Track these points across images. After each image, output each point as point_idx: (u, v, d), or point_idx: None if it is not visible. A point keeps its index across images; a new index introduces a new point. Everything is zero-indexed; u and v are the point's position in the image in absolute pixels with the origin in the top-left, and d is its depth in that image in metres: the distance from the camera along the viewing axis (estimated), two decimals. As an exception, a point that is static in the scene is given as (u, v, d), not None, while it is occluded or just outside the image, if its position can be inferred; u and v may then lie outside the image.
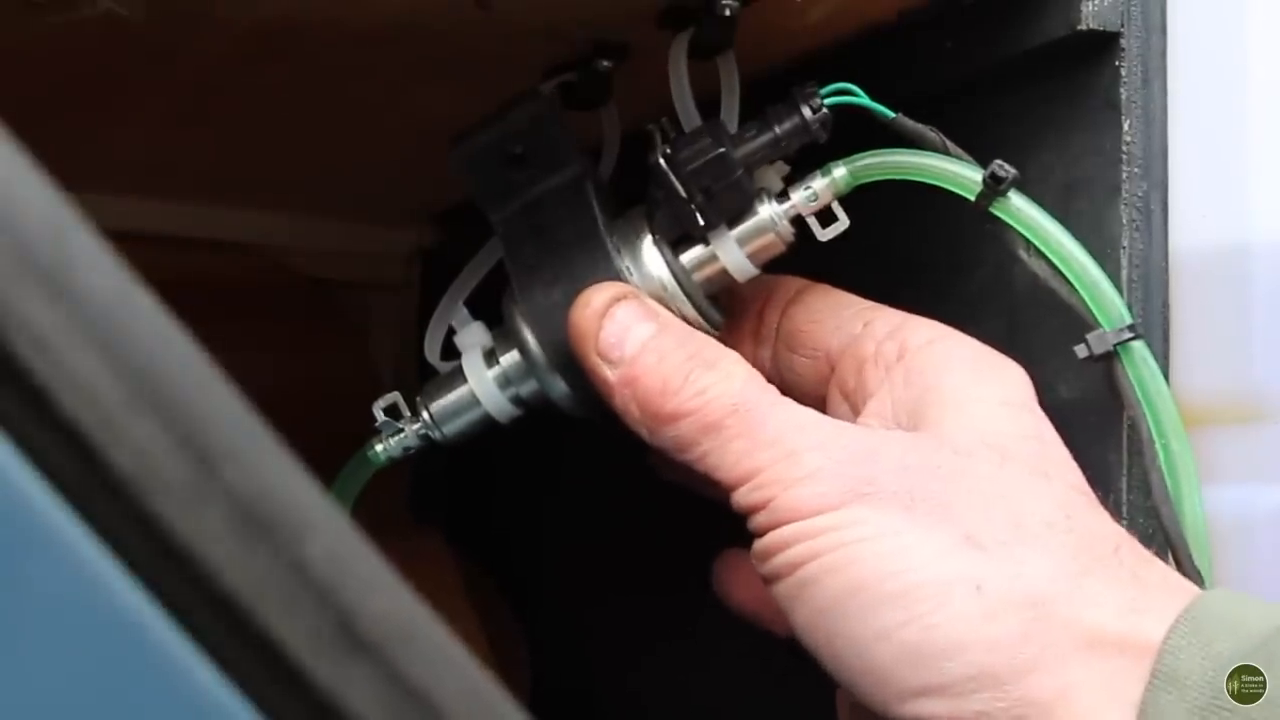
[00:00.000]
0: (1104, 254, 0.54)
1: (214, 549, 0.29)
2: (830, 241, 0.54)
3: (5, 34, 0.50)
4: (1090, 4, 0.54)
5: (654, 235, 0.54)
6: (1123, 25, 0.54)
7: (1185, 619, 0.42)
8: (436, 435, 0.58)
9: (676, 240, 0.55)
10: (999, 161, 0.52)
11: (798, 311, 0.55)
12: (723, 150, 0.53)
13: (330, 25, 0.54)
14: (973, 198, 0.52)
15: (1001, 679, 0.43)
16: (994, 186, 0.52)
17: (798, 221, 0.54)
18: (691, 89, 0.55)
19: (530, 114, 0.56)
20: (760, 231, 0.54)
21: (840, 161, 0.53)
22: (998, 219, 0.53)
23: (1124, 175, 0.54)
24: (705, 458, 0.49)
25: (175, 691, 0.29)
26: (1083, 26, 0.54)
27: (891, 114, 0.53)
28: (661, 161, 0.53)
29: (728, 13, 0.53)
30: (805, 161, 0.55)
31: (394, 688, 0.30)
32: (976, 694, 0.43)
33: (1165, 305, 0.54)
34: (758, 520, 0.47)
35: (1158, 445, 0.51)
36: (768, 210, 0.54)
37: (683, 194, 0.53)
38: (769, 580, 0.47)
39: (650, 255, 0.54)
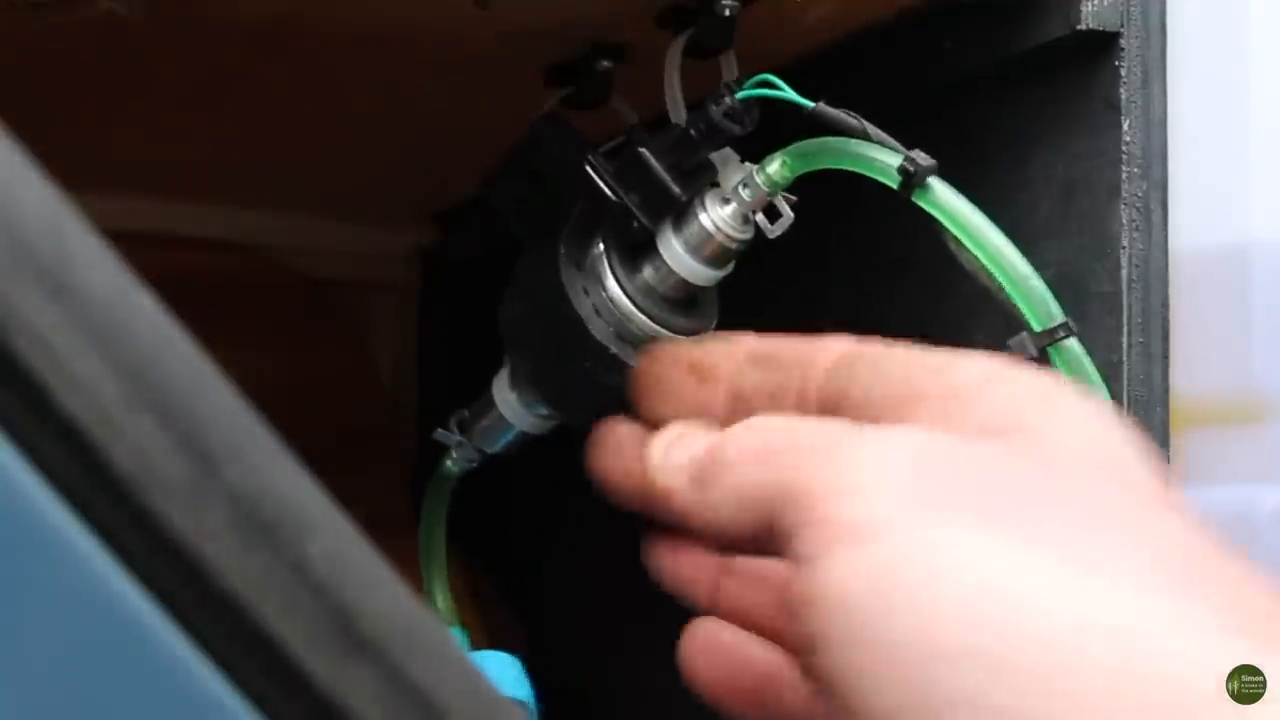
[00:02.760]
0: (1104, 254, 0.54)
1: (214, 548, 0.29)
2: (830, 241, 0.54)
3: (5, 34, 0.50)
4: (1090, 4, 0.54)
5: (605, 243, 0.54)
6: (1123, 25, 0.54)
7: None
8: (488, 450, 0.61)
9: (636, 249, 0.54)
10: (914, 152, 0.49)
11: (856, 372, 0.50)
12: (640, 151, 0.53)
13: (329, 25, 0.54)
14: (896, 186, 0.50)
15: None
16: (908, 179, 0.49)
17: (763, 214, 0.53)
18: (697, 90, 0.55)
19: (545, 137, 0.56)
20: (705, 236, 0.53)
21: (775, 155, 0.53)
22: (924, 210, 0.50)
23: (1124, 175, 0.54)
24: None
25: (175, 691, 0.29)
26: (1083, 26, 0.54)
27: (810, 104, 0.51)
28: (587, 166, 0.53)
29: (727, 13, 0.53)
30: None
31: (394, 687, 0.30)
32: None
33: (1165, 305, 0.53)
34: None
35: None
36: (707, 216, 0.53)
37: (612, 197, 0.53)
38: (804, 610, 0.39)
39: (599, 263, 0.54)
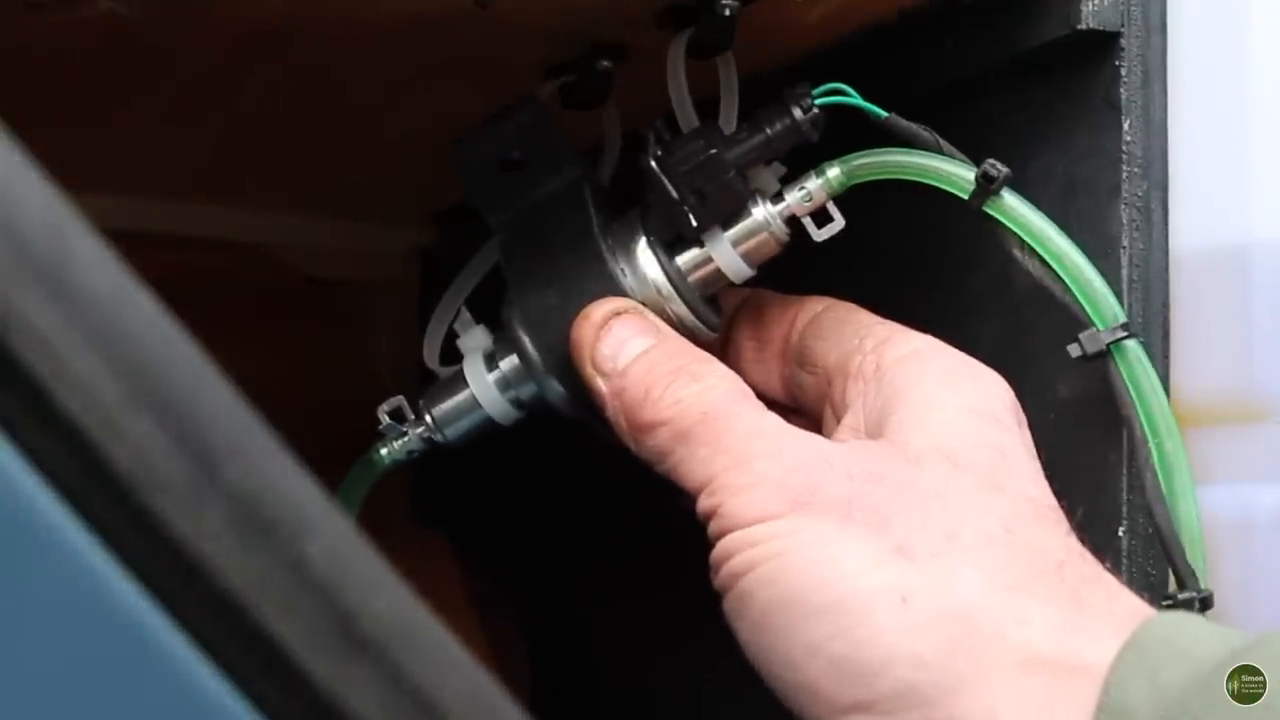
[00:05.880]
0: (1104, 254, 0.54)
1: (214, 548, 0.29)
2: (832, 243, 0.54)
3: (5, 34, 0.50)
4: (1090, 4, 0.54)
5: (648, 237, 0.54)
6: (1123, 25, 0.54)
7: (1131, 647, 0.41)
8: (439, 438, 0.58)
9: (671, 241, 0.55)
10: (991, 160, 0.52)
11: (810, 330, 0.54)
12: (714, 151, 0.53)
13: (329, 25, 0.54)
14: (966, 197, 0.52)
15: (930, 698, 0.42)
16: (986, 186, 0.52)
17: (794, 222, 0.54)
18: (691, 89, 0.55)
19: (526, 119, 0.57)
20: (754, 232, 0.54)
21: (834, 162, 0.53)
22: (992, 218, 0.52)
23: (1124, 175, 0.54)
24: (676, 467, 0.49)
25: (175, 691, 0.29)
26: (1083, 26, 0.54)
27: (884, 114, 0.53)
28: (653, 163, 0.53)
29: (728, 12, 0.53)
30: (802, 162, 0.54)
31: (394, 688, 0.30)
32: (906, 712, 0.42)
33: (1165, 305, 0.53)
34: (710, 529, 0.47)
35: (1151, 444, 0.50)
36: (761, 211, 0.54)
37: (674, 195, 0.53)
38: (721, 595, 0.46)
39: (645, 257, 0.54)
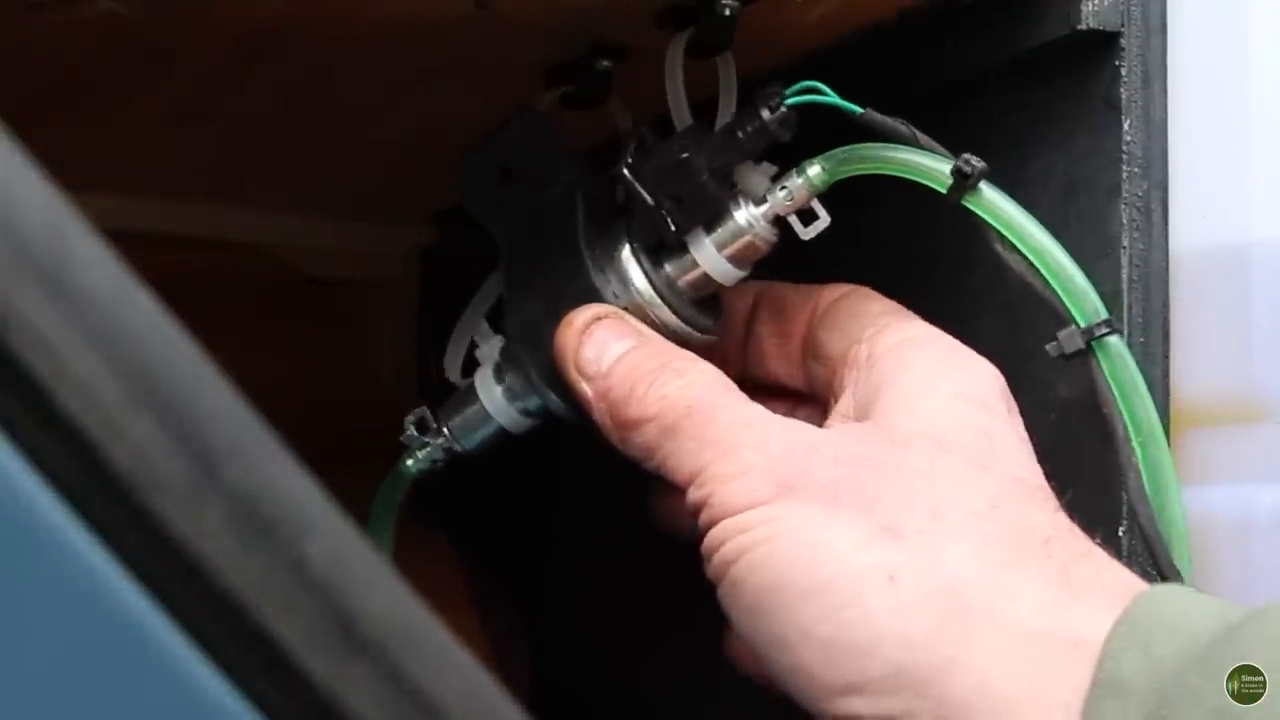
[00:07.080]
0: (1104, 254, 0.54)
1: (214, 548, 0.29)
2: (832, 241, 0.54)
3: (5, 34, 0.50)
4: (1090, 4, 0.54)
5: (632, 244, 0.54)
6: (1123, 25, 0.54)
7: (1125, 621, 0.41)
8: (458, 448, 0.59)
9: (655, 248, 0.55)
10: (966, 155, 0.51)
11: (823, 321, 0.55)
12: (685, 156, 0.53)
13: (329, 25, 0.54)
14: (944, 191, 0.51)
15: (921, 677, 0.42)
16: (961, 181, 0.51)
17: (781, 221, 0.54)
18: (691, 90, 0.55)
19: (525, 131, 0.57)
20: (737, 235, 0.54)
21: (815, 159, 0.53)
22: (971, 212, 0.52)
23: (1124, 175, 0.54)
24: (664, 461, 0.49)
25: (175, 691, 0.29)
26: (1083, 26, 0.54)
27: (859, 110, 0.52)
28: (625, 171, 0.53)
29: (728, 12, 0.53)
30: (796, 161, 0.54)
31: (394, 688, 0.30)
32: (898, 693, 0.42)
33: (1165, 305, 0.53)
34: (700, 519, 0.47)
35: (1134, 443, 0.49)
36: (743, 214, 0.54)
37: (649, 201, 0.53)
38: (715, 585, 0.47)
39: (628, 265, 0.54)
